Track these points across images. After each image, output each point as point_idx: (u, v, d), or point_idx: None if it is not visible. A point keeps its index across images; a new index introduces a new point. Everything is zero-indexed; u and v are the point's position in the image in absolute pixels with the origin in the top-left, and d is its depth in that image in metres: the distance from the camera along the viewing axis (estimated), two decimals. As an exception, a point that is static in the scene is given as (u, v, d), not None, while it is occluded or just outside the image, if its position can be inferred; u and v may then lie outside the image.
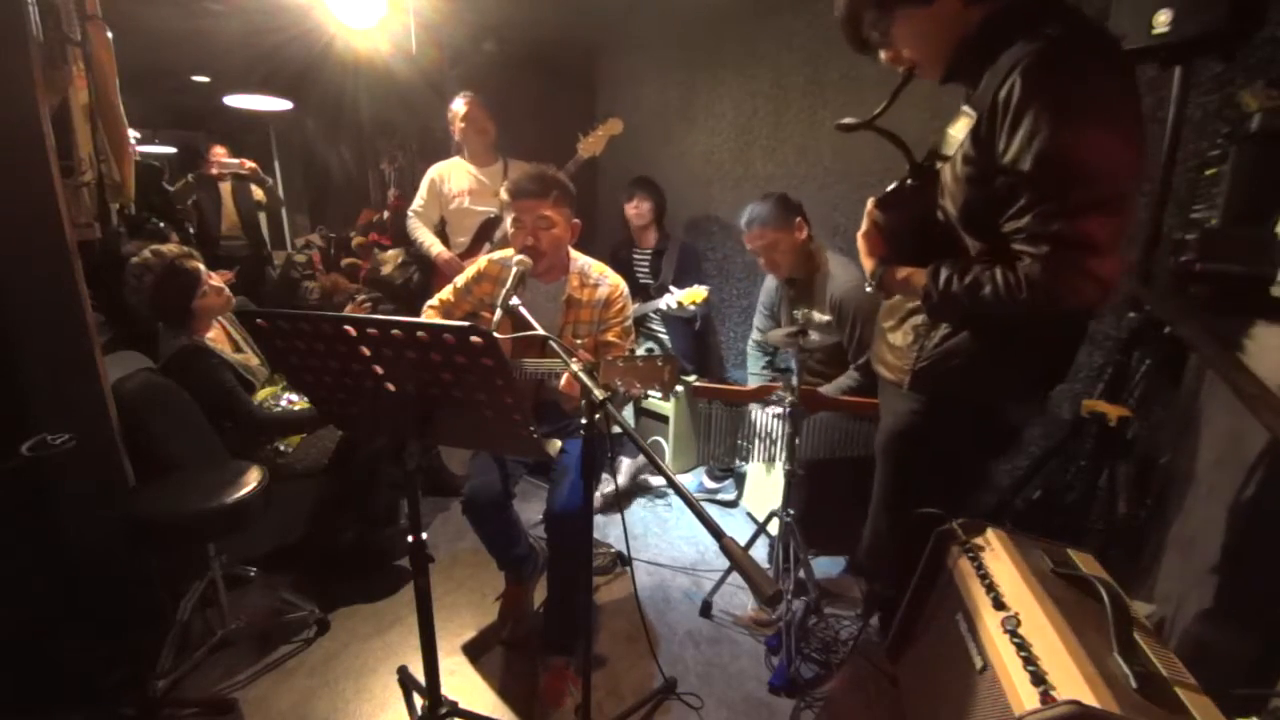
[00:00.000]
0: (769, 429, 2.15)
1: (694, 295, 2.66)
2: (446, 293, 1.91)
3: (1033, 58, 0.94)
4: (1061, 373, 1.26)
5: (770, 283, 2.52)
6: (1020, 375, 1.21)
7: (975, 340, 1.20)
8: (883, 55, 1.17)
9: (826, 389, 2.16)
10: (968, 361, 1.21)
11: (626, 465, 2.85)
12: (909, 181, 1.19)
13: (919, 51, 1.12)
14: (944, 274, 1.10)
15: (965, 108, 1.08)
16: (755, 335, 2.59)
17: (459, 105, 2.86)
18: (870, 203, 1.26)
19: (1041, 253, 0.96)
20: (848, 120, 1.17)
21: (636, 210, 3.13)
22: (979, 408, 1.24)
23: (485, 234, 2.89)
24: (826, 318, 2.16)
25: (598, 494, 2.63)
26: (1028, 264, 0.98)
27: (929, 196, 1.18)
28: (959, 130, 1.09)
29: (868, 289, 1.29)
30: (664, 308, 2.78)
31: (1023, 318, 1.08)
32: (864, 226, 1.27)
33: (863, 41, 1.17)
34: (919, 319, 1.28)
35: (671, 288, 2.79)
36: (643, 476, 2.89)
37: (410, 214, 3.01)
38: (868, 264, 1.27)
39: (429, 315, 1.90)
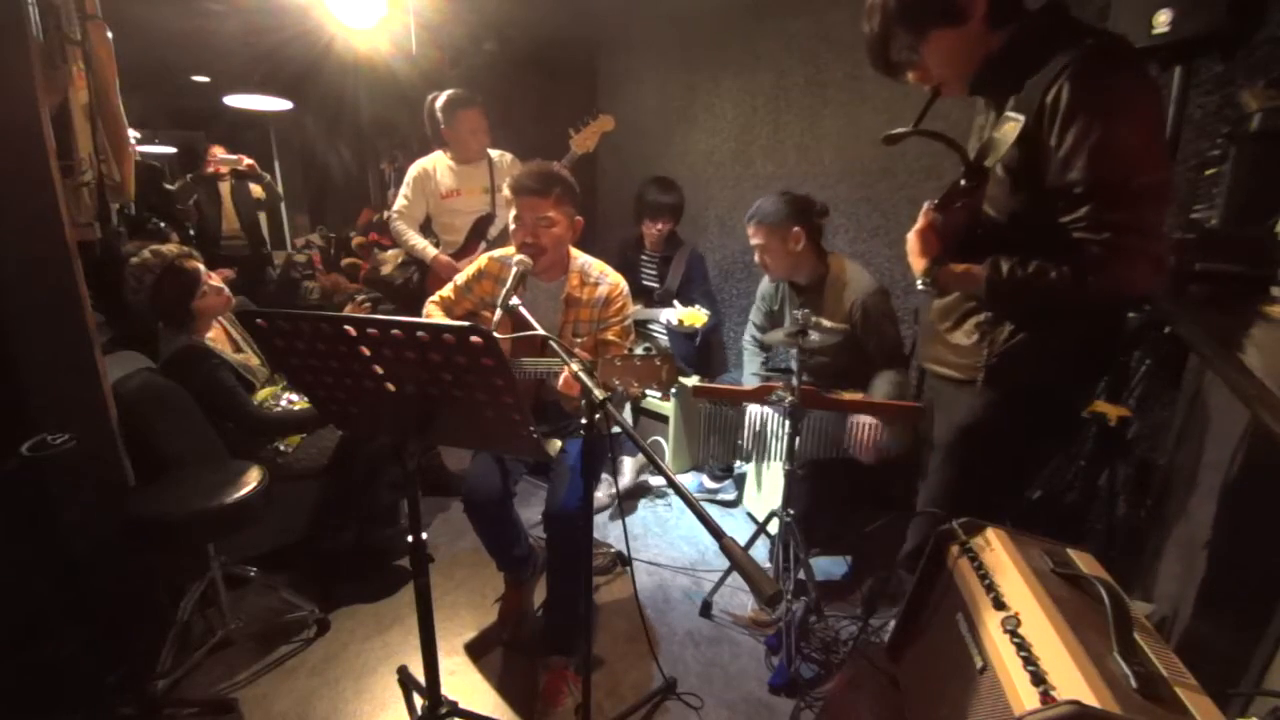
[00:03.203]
0: (769, 429, 2.15)
1: (695, 318, 2.63)
2: (448, 290, 1.90)
3: (1079, 63, 1.03)
4: (1114, 354, 1.35)
5: (765, 287, 2.46)
6: (1083, 359, 1.27)
7: (1042, 330, 1.23)
8: (910, 75, 1.23)
9: (875, 397, 2.11)
10: (1040, 351, 1.24)
11: (629, 465, 2.85)
12: (963, 182, 1.22)
13: (948, 70, 1.19)
14: (1006, 265, 1.15)
15: (1010, 113, 1.13)
16: (751, 332, 2.55)
17: (469, 115, 2.73)
18: (927, 204, 1.30)
19: (1104, 239, 1.04)
20: (896, 130, 1.22)
21: (659, 231, 3.03)
22: (1050, 395, 1.28)
23: (479, 233, 2.84)
24: (839, 325, 2.12)
25: (600, 495, 2.63)
26: (1092, 251, 1.05)
27: (980, 197, 1.22)
28: (1007, 134, 1.13)
29: (920, 287, 1.31)
30: (664, 322, 2.76)
31: (1078, 307, 1.15)
32: (920, 224, 1.29)
33: (889, 63, 1.22)
34: (980, 317, 1.30)
35: (675, 302, 2.77)
36: (643, 477, 2.89)
37: (394, 215, 2.87)
38: (919, 263, 1.29)
39: (431, 311, 1.90)
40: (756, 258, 2.26)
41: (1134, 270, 1.05)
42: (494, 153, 2.87)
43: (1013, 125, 1.11)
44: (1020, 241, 1.15)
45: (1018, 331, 1.25)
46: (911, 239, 1.31)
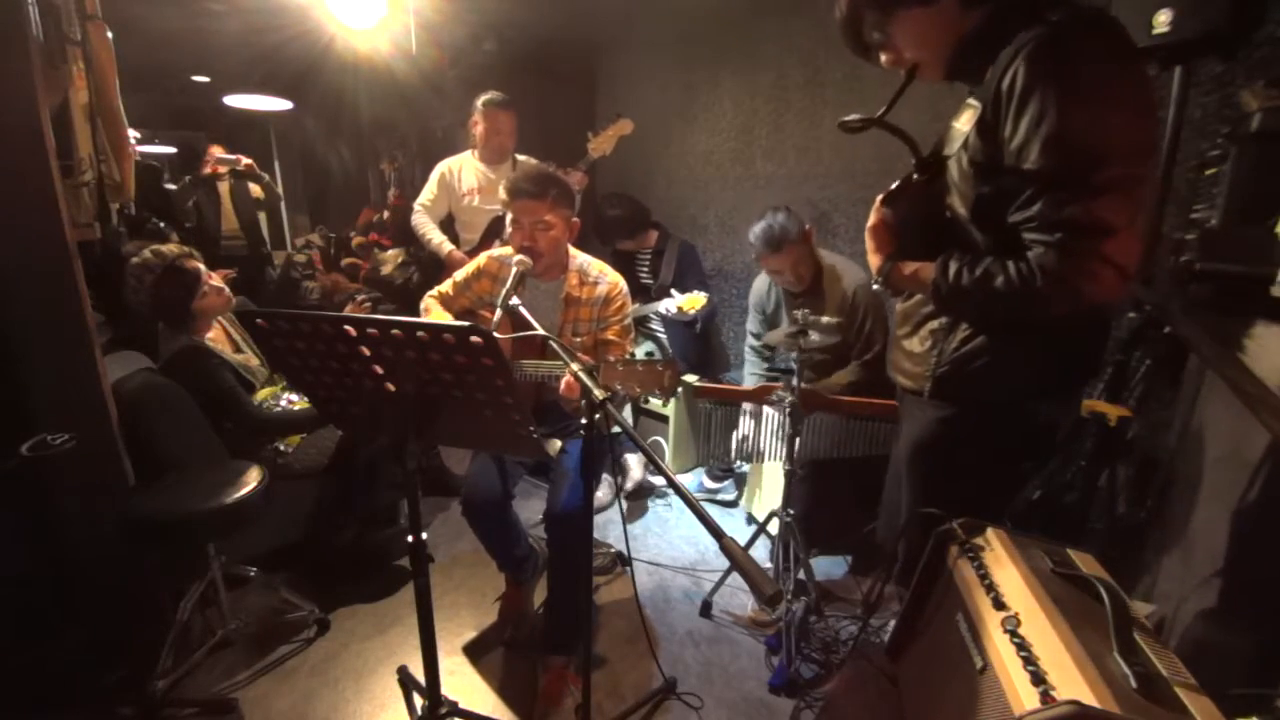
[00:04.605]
0: (769, 429, 2.15)
1: (693, 301, 2.64)
2: (446, 286, 1.91)
3: (1035, 42, 0.93)
4: (1093, 365, 1.22)
5: (760, 284, 2.48)
6: (1048, 371, 1.16)
7: (997, 339, 1.15)
8: (884, 58, 1.15)
9: (825, 383, 2.16)
10: (991, 362, 1.16)
11: (635, 462, 2.84)
12: (914, 176, 1.17)
13: (920, 52, 1.10)
14: (953, 266, 1.06)
15: (970, 99, 1.06)
16: (751, 341, 2.57)
17: (499, 116, 2.79)
18: (878, 199, 1.24)
19: (1055, 240, 0.93)
20: (852, 117, 1.14)
21: (639, 246, 3.12)
22: (1007, 409, 1.20)
23: (494, 232, 2.88)
24: (834, 320, 2.15)
25: (601, 495, 2.63)
26: (1041, 252, 0.94)
27: (935, 191, 1.15)
28: (964, 123, 1.07)
29: (874, 287, 1.26)
30: (664, 312, 2.76)
31: (1039, 314, 1.03)
32: (871, 220, 1.24)
33: (864, 45, 1.15)
34: (935, 323, 1.23)
35: (673, 291, 2.78)
36: (646, 475, 2.89)
37: (417, 207, 2.96)
38: (874, 260, 1.23)
39: (429, 305, 1.90)
40: (790, 277, 2.22)
41: (1089, 278, 0.92)
42: (521, 157, 2.92)
43: (970, 113, 1.04)
44: (987, 239, 1.07)
45: (970, 340, 1.17)
46: (866, 235, 1.24)
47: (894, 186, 1.20)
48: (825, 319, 2.13)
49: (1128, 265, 0.92)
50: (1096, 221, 0.90)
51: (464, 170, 2.91)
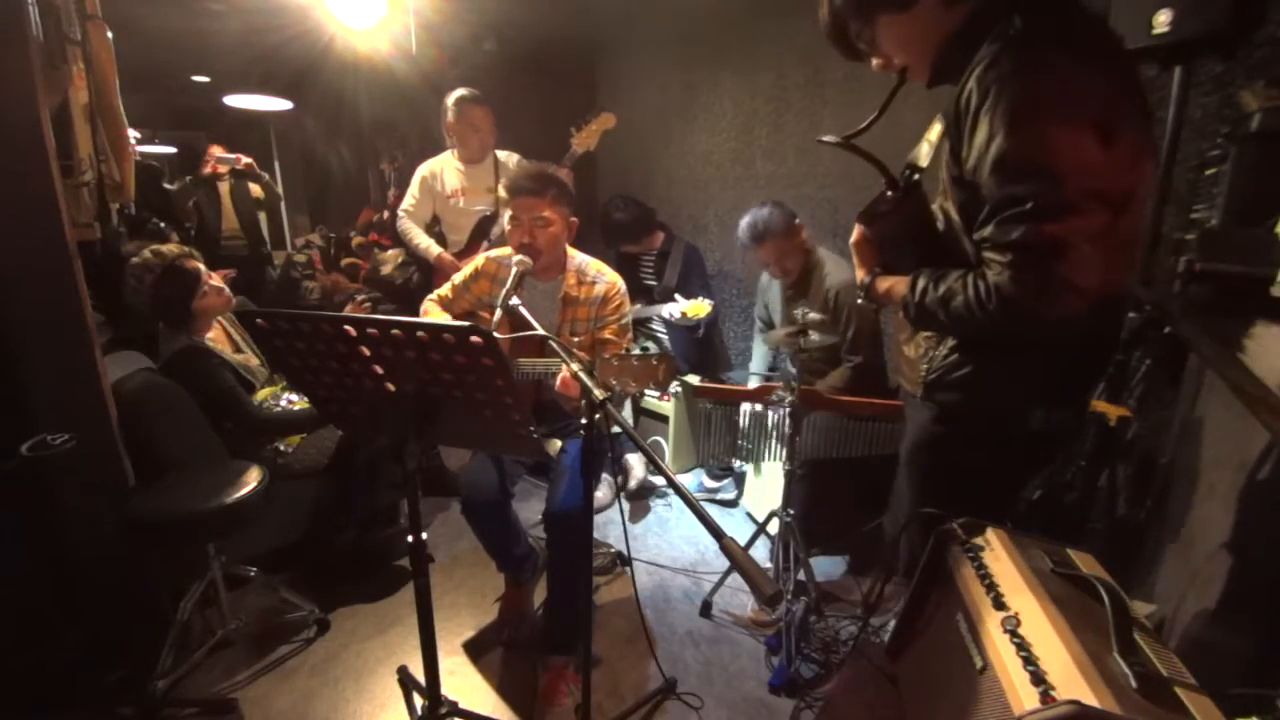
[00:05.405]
0: (769, 429, 2.15)
1: (698, 309, 2.64)
2: (445, 289, 1.91)
3: (990, 58, 0.91)
4: (1092, 375, 1.21)
5: (764, 282, 2.51)
6: (1042, 383, 1.14)
7: (984, 350, 1.15)
8: (874, 63, 1.15)
9: (819, 385, 2.17)
10: (978, 371, 1.16)
11: (637, 461, 2.84)
12: (888, 193, 1.17)
13: (906, 56, 1.10)
14: (920, 284, 1.07)
15: (944, 112, 1.05)
16: (759, 326, 2.61)
17: (475, 111, 2.77)
18: (858, 215, 1.25)
19: (1008, 261, 0.91)
20: (828, 137, 1.16)
21: (644, 249, 3.12)
22: (998, 416, 1.20)
23: (482, 231, 2.86)
24: (821, 316, 2.16)
25: (601, 495, 2.63)
26: (996, 272, 0.93)
27: (913, 206, 1.15)
28: (934, 134, 1.08)
29: (859, 301, 1.28)
30: (667, 316, 2.76)
31: (1003, 333, 1.02)
32: (854, 236, 1.26)
33: (854, 50, 1.15)
34: (928, 330, 1.24)
35: (677, 296, 2.77)
36: (646, 476, 2.89)
37: (401, 214, 2.93)
38: (859, 274, 1.26)
39: (429, 309, 1.90)
40: (775, 269, 2.28)
41: (1044, 300, 0.90)
42: (501, 154, 2.89)
43: (939, 126, 1.03)
44: (973, 248, 1.04)
45: (958, 348, 1.17)
46: (851, 249, 1.26)
47: (870, 204, 1.20)
48: (814, 315, 2.13)
49: (1088, 286, 0.89)
50: (1049, 243, 0.88)
51: (445, 172, 2.87)
